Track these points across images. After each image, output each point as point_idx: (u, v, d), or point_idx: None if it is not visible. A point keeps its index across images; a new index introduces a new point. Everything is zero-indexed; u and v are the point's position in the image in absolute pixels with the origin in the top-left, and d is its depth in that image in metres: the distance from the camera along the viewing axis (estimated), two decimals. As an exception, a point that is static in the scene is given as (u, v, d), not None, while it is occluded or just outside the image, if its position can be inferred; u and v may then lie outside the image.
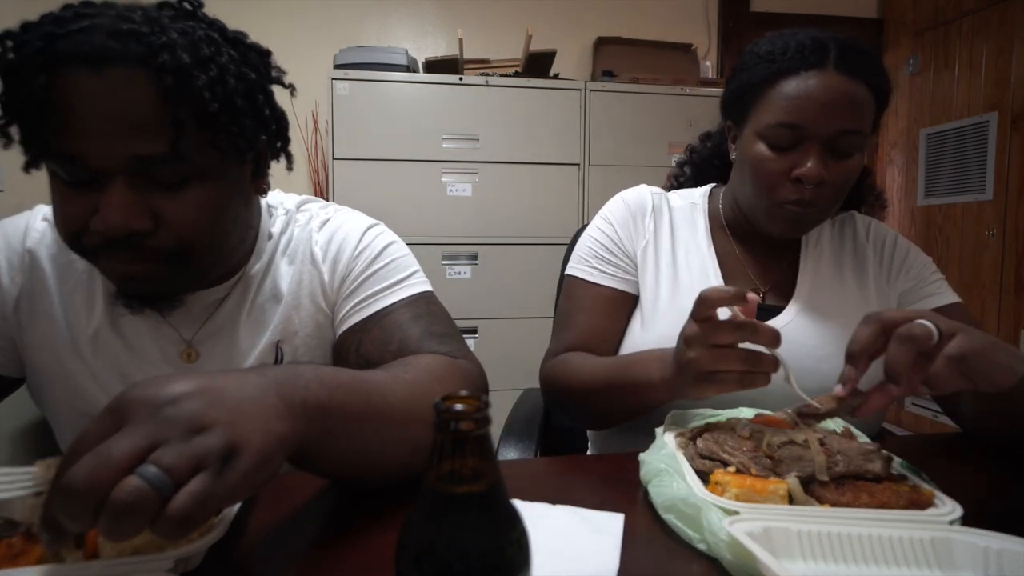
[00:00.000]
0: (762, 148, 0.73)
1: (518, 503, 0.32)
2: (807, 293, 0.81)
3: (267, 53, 0.62)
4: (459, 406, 0.29)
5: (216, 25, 0.58)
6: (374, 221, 0.77)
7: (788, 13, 2.71)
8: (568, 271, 0.87)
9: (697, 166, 0.97)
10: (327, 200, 0.81)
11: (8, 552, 0.39)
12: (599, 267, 0.84)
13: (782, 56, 0.71)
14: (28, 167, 0.55)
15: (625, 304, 0.84)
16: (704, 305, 0.55)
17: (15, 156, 0.53)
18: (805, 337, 0.76)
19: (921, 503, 0.46)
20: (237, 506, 0.46)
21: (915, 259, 0.84)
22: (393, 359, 0.63)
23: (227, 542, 0.43)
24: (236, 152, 0.58)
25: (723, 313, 0.56)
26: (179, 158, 0.53)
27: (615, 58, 2.40)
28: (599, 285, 0.83)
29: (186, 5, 0.58)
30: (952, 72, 2.51)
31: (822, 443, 0.51)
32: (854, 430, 0.59)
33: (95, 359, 0.66)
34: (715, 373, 0.55)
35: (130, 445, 0.32)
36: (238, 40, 0.59)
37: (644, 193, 0.88)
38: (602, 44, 2.46)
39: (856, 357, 0.52)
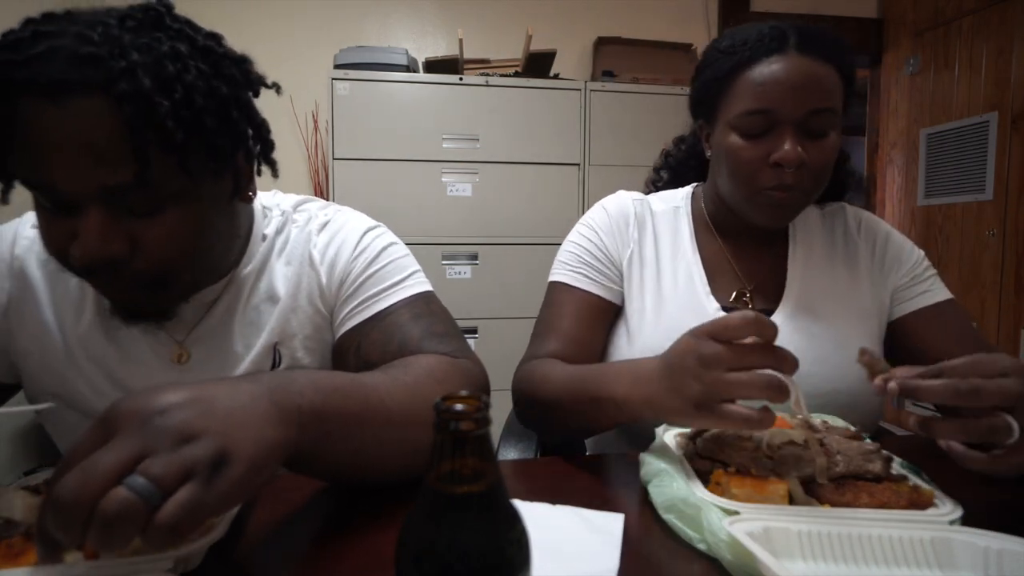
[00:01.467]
0: (736, 139, 0.73)
1: (518, 503, 0.32)
2: (797, 292, 0.80)
3: (243, 60, 0.59)
4: (459, 406, 0.29)
5: (184, 33, 0.53)
6: (374, 223, 0.75)
7: (788, 13, 2.71)
8: (552, 278, 0.85)
9: (673, 169, 0.96)
10: (327, 200, 0.80)
11: (8, 552, 0.39)
12: (585, 273, 0.82)
13: (743, 47, 0.72)
14: (3, 194, 0.54)
15: (608, 313, 0.82)
16: (727, 330, 0.50)
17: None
18: (797, 340, 0.75)
19: (921, 503, 0.46)
20: (237, 507, 0.46)
21: (909, 254, 0.83)
22: (393, 360, 0.62)
23: (227, 542, 0.43)
24: (208, 172, 0.55)
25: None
26: (147, 186, 0.51)
27: (615, 58, 2.40)
28: (584, 291, 0.81)
29: (152, 13, 0.53)
30: (952, 72, 2.51)
31: (822, 443, 0.51)
32: (853, 429, 0.59)
33: (87, 363, 0.65)
34: (725, 403, 0.49)
35: (118, 456, 0.32)
36: (209, 49, 0.55)
37: (625, 201, 0.87)
38: (602, 44, 2.46)
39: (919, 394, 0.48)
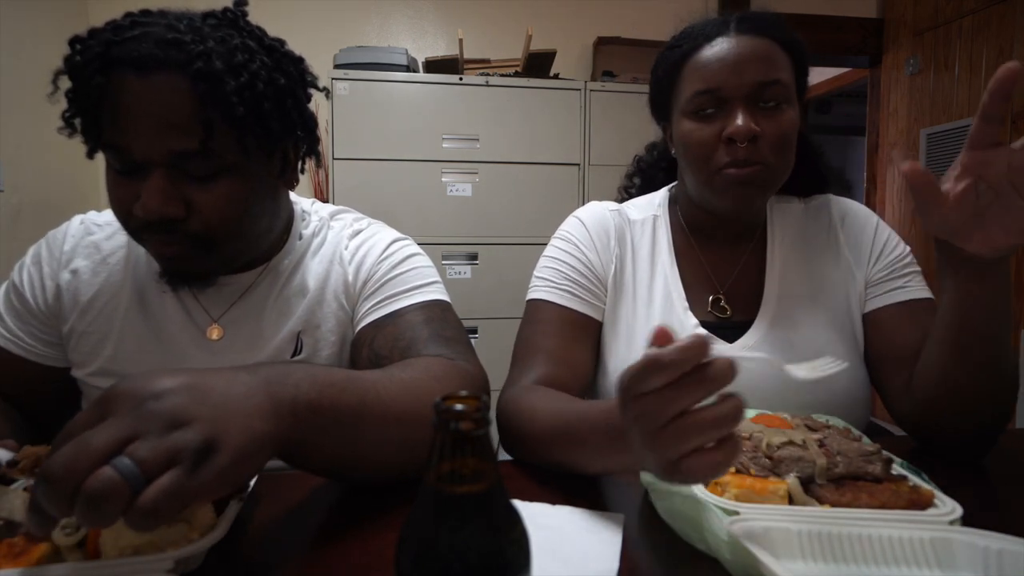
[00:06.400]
0: (689, 123, 0.73)
1: (518, 503, 0.32)
2: (776, 297, 0.77)
3: (300, 60, 0.68)
4: (459, 406, 0.29)
5: (255, 34, 0.64)
6: (403, 236, 0.81)
7: (788, 13, 2.70)
8: (532, 295, 0.81)
9: (644, 173, 0.97)
10: (327, 201, 0.83)
11: (9, 552, 0.39)
12: (570, 289, 0.78)
13: (687, 39, 0.74)
14: (89, 154, 0.62)
15: (594, 333, 0.79)
16: (636, 383, 0.37)
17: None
18: (777, 351, 0.74)
19: (921, 503, 0.46)
20: (238, 506, 0.46)
21: (892, 247, 0.79)
22: (401, 357, 0.65)
23: (227, 542, 0.43)
24: (262, 150, 0.63)
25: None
26: (209, 154, 0.59)
27: (615, 58, 2.40)
28: (569, 309, 0.77)
29: (229, 15, 0.63)
30: (952, 72, 2.51)
31: (821, 444, 0.51)
32: (855, 431, 0.59)
33: (125, 341, 0.71)
34: (689, 460, 0.37)
35: (108, 436, 0.33)
36: (273, 48, 0.65)
37: (602, 212, 0.84)
38: (602, 44, 2.46)
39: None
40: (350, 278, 0.75)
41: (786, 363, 0.51)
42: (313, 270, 0.75)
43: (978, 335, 0.59)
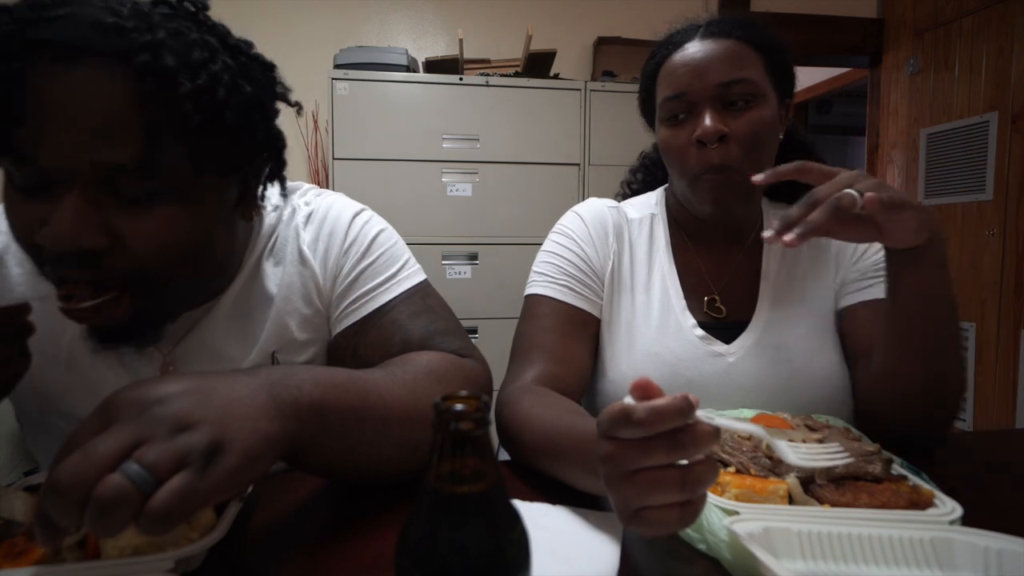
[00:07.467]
0: (664, 129, 0.76)
1: (518, 503, 0.32)
2: (771, 299, 0.78)
3: (271, 67, 0.57)
4: (459, 406, 0.29)
5: (217, 30, 0.52)
6: (359, 207, 0.72)
7: (788, 13, 2.70)
8: (530, 291, 0.80)
9: (647, 169, 0.98)
10: None
11: (10, 551, 0.39)
12: (568, 284, 0.78)
13: (663, 47, 0.77)
14: None
15: (593, 329, 0.79)
16: (613, 429, 0.36)
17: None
18: (775, 353, 0.74)
19: (921, 503, 0.46)
20: (238, 506, 0.46)
21: (874, 250, 0.78)
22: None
23: (227, 542, 0.43)
24: (218, 172, 0.52)
25: (627, 399, 0.37)
26: (148, 171, 0.47)
27: (615, 58, 2.40)
28: (568, 304, 0.77)
29: (187, 6, 0.51)
30: (952, 72, 2.51)
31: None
32: (855, 431, 0.59)
33: (68, 373, 0.61)
34: (646, 511, 0.36)
35: (115, 443, 0.33)
36: (239, 49, 0.53)
37: (600, 208, 0.84)
38: (602, 44, 2.46)
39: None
40: (319, 277, 0.66)
41: (787, 437, 0.46)
42: (271, 274, 0.65)
43: (914, 322, 0.62)
